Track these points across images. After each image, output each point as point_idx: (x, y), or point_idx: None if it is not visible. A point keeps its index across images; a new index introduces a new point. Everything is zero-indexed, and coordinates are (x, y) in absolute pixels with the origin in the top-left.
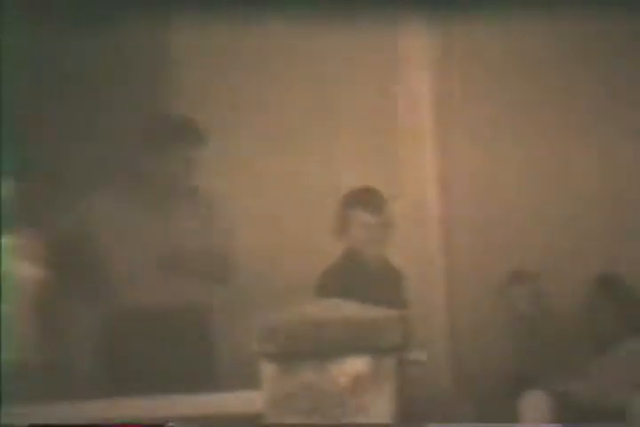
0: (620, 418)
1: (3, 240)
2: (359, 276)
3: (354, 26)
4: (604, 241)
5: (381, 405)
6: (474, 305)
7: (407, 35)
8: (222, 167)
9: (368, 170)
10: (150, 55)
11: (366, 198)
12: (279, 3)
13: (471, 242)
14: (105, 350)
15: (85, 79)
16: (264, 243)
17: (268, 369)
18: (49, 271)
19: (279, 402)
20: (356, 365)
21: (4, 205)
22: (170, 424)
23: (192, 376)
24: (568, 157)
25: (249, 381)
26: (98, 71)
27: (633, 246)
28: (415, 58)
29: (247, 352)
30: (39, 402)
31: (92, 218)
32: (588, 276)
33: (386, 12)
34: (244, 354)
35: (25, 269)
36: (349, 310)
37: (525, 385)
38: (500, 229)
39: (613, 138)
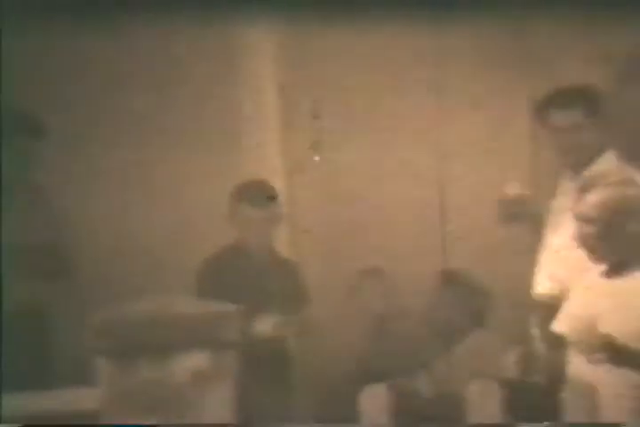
0: (460, 410)
1: None
2: (242, 267)
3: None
4: (447, 238)
5: (222, 400)
6: (324, 303)
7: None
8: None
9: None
10: None
11: (253, 192)
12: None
13: (319, 240)
14: None
15: None
16: (104, 240)
17: (104, 366)
18: None
19: (116, 399)
20: (195, 360)
21: None
22: None
23: (28, 373)
24: (408, 158)
25: (87, 378)
26: None
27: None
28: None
29: (85, 349)
30: None
31: None
32: (433, 272)
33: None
34: (82, 351)
35: None
36: (187, 305)
37: (370, 381)
38: (348, 227)
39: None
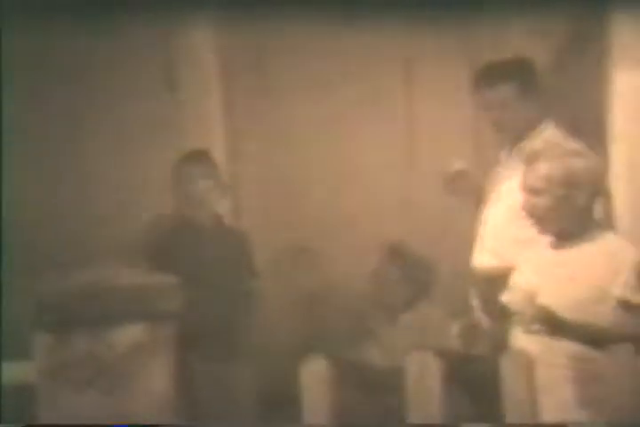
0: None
1: None
2: (187, 237)
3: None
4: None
5: (160, 372)
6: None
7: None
8: None
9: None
10: None
11: (198, 160)
12: None
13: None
14: None
15: None
16: (43, 212)
17: (42, 339)
18: None
19: (53, 372)
20: (134, 332)
21: None
22: None
23: None
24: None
25: (25, 351)
26: None
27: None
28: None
29: (23, 322)
30: None
31: None
32: (377, 246)
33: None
34: (21, 324)
35: None
36: (127, 277)
37: (312, 354)
38: (282, 205)
39: None
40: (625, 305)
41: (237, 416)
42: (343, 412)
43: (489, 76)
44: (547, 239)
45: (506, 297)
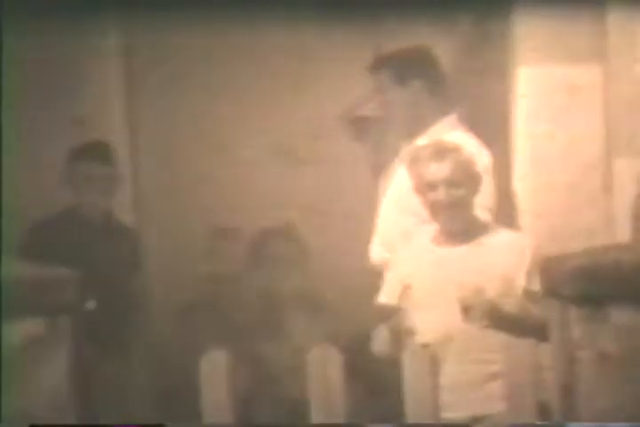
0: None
1: None
2: (75, 230)
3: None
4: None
5: (56, 367)
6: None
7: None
8: None
9: None
10: None
11: (93, 152)
12: None
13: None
14: None
15: None
16: None
17: None
18: None
19: None
20: (29, 325)
21: None
22: None
23: None
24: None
25: None
26: None
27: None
28: None
29: None
30: None
31: None
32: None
33: None
34: None
35: None
36: (20, 270)
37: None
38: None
39: None
40: (528, 294)
41: (134, 412)
42: (244, 407)
43: (395, 71)
44: (428, 234)
45: (458, 294)
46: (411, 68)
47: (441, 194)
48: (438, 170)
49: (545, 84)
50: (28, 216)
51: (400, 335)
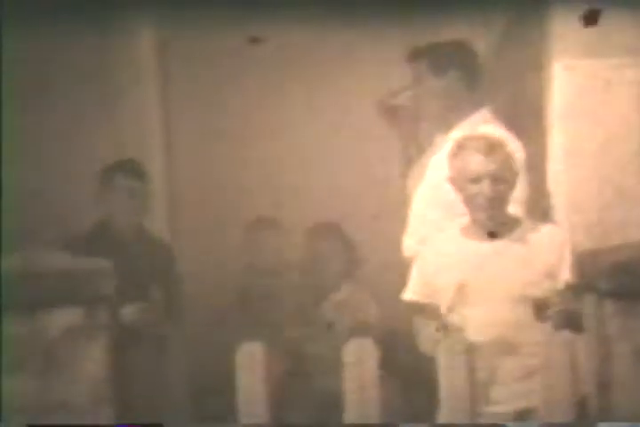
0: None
1: None
2: (111, 244)
3: None
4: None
5: (95, 356)
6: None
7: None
8: None
9: None
10: None
11: (127, 167)
12: None
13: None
14: None
15: None
16: None
17: None
18: None
19: None
20: (69, 316)
21: None
22: None
23: None
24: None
25: None
26: None
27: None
28: None
29: None
30: None
31: None
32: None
33: None
34: None
35: None
36: (59, 261)
37: (244, 338)
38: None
39: None
40: (571, 288)
41: (171, 403)
42: (279, 401)
43: (432, 62)
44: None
45: (525, 290)
46: (448, 58)
47: (485, 188)
48: (485, 163)
49: (581, 79)
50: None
51: (447, 333)
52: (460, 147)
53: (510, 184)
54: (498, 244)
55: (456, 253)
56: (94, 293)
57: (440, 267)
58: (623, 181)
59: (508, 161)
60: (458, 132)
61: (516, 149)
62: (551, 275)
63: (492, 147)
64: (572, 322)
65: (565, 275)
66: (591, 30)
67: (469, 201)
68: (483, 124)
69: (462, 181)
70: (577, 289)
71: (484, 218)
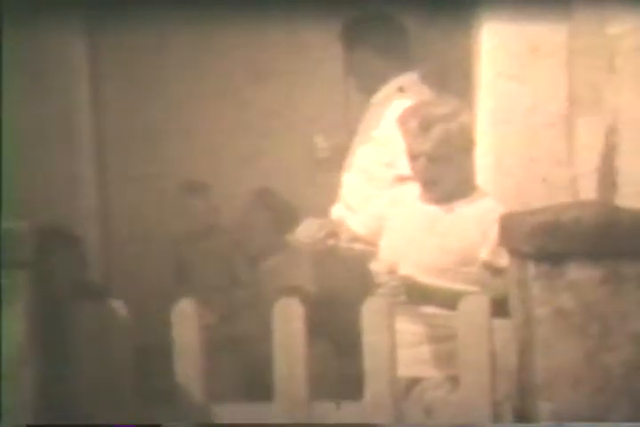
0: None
1: None
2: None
3: None
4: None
5: (13, 322)
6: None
7: None
8: None
9: None
10: None
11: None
12: None
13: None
14: None
15: None
16: None
17: None
18: None
19: None
20: None
21: None
22: None
23: None
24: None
25: None
26: None
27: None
28: None
29: None
30: None
31: None
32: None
33: None
34: None
35: None
36: None
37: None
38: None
39: None
40: (489, 268)
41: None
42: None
43: (353, 35)
44: (410, 198)
45: (373, 266)
46: (374, 31)
47: (420, 166)
48: (421, 142)
49: (509, 43)
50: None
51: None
52: (401, 123)
53: (454, 158)
54: (432, 210)
55: (396, 203)
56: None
57: (380, 210)
58: (551, 144)
59: (449, 136)
60: (380, 95)
61: (466, 118)
62: (467, 250)
63: (428, 123)
64: (426, 299)
65: (484, 254)
66: None
67: (415, 177)
68: (410, 86)
69: (407, 157)
70: (499, 268)
71: (425, 192)
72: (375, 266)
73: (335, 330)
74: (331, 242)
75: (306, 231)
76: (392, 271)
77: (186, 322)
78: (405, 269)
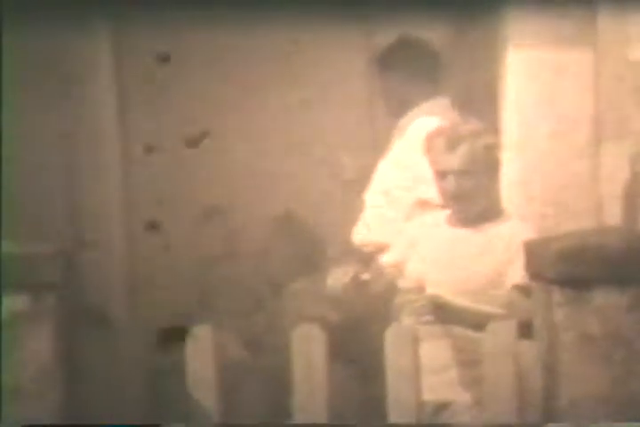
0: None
1: None
2: None
3: None
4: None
5: (41, 342)
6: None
7: None
8: None
9: None
10: None
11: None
12: None
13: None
14: None
15: None
16: None
17: None
18: None
19: None
20: (14, 302)
21: None
22: None
23: None
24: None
25: None
26: None
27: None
28: None
29: None
30: None
31: None
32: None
33: None
34: None
35: None
36: (5, 246)
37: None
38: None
39: None
40: (521, 290)
41: (122, 387)
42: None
43: (388, 61)
44: (438, 222)
45: (401, 284)
46: (405, 57)
47: (449, 184)
48: (448, 159)
49: (534, 66)
50: None
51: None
52: (428, 143)
53: (481, 176)
54: (461, 234)
55: (428, 230)
56: (39, 278)
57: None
58: (576, 169)
59: (475, 154)
60: (407, 119)
61: (492, 138)
62: (496, 272)
63: (455, 141)
64: (454, 318)
65: (512, 275)
66: (544, 17)
67: (441, 196)
68: (438, 112)
69: (435, 177)
70: (527, 289)
71: (454, 211)
72: (403, 283)
73: (359, 355)
74: (360, 281)
75: (333, 281)
76: (420, 289)
77: (201, 348)
78: (433, 289)
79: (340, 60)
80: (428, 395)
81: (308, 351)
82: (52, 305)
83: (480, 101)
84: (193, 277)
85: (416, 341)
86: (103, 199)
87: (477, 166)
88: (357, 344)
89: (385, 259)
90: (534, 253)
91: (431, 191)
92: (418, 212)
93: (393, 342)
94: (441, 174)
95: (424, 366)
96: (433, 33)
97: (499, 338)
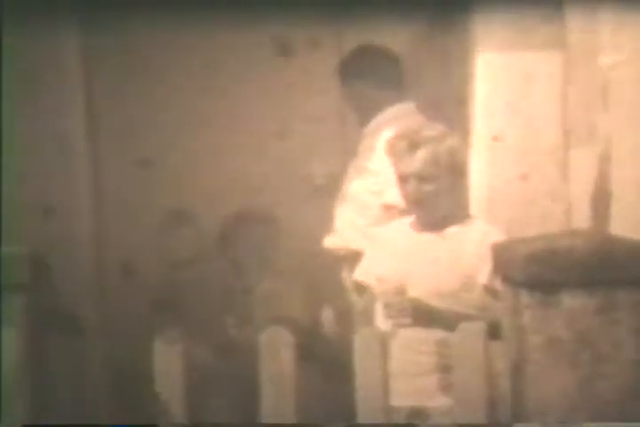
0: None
1: None
2: None
3: None
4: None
5: (10, 342)
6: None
7: None
8: None
9: None
10: None
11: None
12: None
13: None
14: None
15: None
16: None
17: None
18: None
19: None
20: None
21: None
22: None
23: None
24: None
25: None
26: None
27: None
28: None
29: None
30: None
31: None
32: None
33: None
34: None
35: None
36: None
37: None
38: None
39: None
40: (490, 291)
41: (90, 389)
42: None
43: (350, 68)
44: (404, 227)
45: (377, 289)
46: (369, 64)
47: (411, 187)
48: (409, 163)
49: (504, 71)
50: None
51: (347, 315)
52: (389, 146)
53: (444, 180)
54: (426, 238)
55: (400, 243)
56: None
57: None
58: (545, 173)
59: (438, 158)
60: (372, 126)
61: (456, 142)
62: (467, 275)
63: (416, 144)
64: (433, 321)
65: (484, 277)
66: (514, 21)
67: (403, 200)
68: (403, 117)
69: (397, 181)
70: (498, 292)
71: (417, 216)
72: (382, 287)
73: (326, 358)
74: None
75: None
76: (400, 293)
77: (170, 351)
78: (412, 292)
79: (311, 65)
80: (403, 400)
81: (277, 354)
82: (22, 307)
83: (449, 106)
84: (161, 280)
85: (385, 345)
86: (73, 203)
87: (440, 170)
88: (326, 347)
89: (357, 270)
90: (503, 255)
91: (398, 196)
92: (386, 216)
93: (361, 346)
94: (403, 178)
95: (401, 370)
96: (401, 38)
97: (468, 339)
